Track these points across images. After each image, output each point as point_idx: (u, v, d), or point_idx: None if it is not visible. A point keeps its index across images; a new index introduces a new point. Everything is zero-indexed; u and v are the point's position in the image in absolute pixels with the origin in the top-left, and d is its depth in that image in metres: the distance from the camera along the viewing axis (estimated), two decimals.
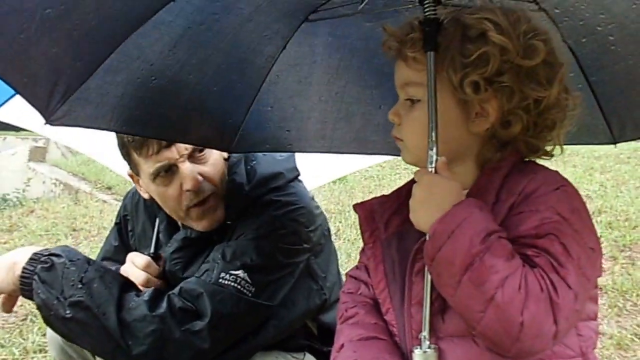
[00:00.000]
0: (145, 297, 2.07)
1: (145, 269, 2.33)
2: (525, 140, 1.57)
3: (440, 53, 1.53)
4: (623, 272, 4.91)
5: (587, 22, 1.87)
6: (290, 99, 2.29)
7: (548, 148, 1.63)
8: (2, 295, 2.11)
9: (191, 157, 2.20)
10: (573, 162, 8.50)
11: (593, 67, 2.00)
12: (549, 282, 1.32)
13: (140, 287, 2.26)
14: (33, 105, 1.72)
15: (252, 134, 2.29)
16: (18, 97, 3.20)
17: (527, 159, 1.63)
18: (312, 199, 2.43)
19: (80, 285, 2.02)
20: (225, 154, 2.32)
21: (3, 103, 3.30)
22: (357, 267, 1.88)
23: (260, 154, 2.39)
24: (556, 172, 1.55)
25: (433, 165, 1.51)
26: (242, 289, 2.09)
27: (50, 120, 1.77)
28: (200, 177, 2.20)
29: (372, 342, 1.66)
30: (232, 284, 2.08)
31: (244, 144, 2.30)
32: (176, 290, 2.11)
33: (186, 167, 2.18)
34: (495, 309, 1.31)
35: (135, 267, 2.34)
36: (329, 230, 2.48)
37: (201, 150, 2.22)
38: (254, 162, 2.35)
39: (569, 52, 1.95)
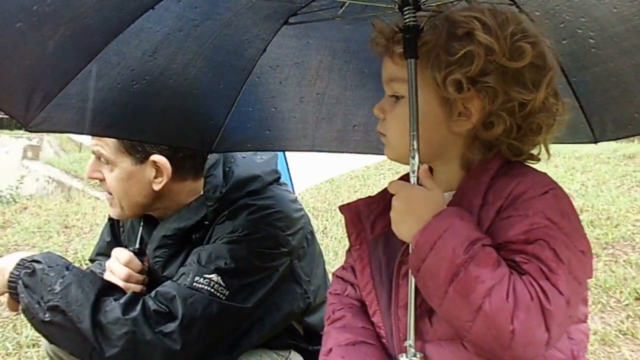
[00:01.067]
0: (122, 300, 2.07)
1: (128, 264, 2.33)
2: (509, 143, 1.53)
3: (426, 50, 1.51)
4: (606, 269, 4.92)
5: (567, 25, 1.87)
6: (271, 100, 2.29)
7: (534, 152, 1.60)
8: (6, 295, 2.16)
9: (98, 157, 2.27)
10: (555, 162, 8.50)
11: (573, 68, 1.99)
12: (539, 290, 1.28)
13: (122, 283, 2.27)
14: (11, 115, 1.73)
15: (233, 134, 2.29)
16: None
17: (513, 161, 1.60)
18: (294, 201, 2.41)
19: (57, 290, 2.04)
20: (156, 187, 2.28)
21: None
22: (343, 268, 1.86)
23: (239, 156, 2.38)
24: (544, 174, 1.50)
25: (416, 173, 1.48)
26: (215, 292, 2.07)
27: (29, 126, 1.77)
28: (96, 173, 2.29)
29: (360, 346, 1.65)
30: (206, 287, 2.07)
31: (225, 144, 2.30)
32: (152, 293, 2.11)
33: (91, 159, 2.31)
34: (483, 318, 1.27)
35: (119, 262, 2.34)
36: (312, 233, 2.45)
37: (107, 163, 2.25)
38: (232, 164, 2.33)
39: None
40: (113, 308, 2.03)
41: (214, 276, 2.08)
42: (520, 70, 1.47)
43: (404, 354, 1.48)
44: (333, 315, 1.76)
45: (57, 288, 2.04)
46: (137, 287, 2.31)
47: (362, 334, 1.67)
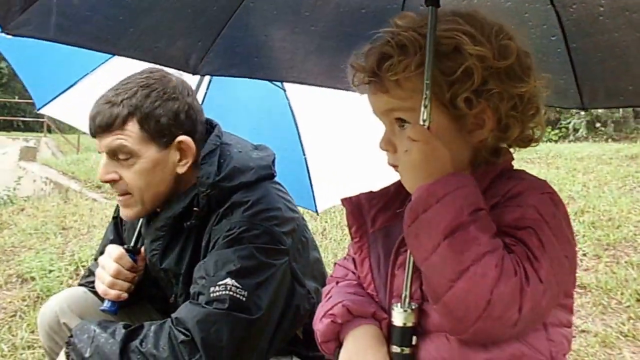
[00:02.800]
0: (149, 341, 2.07)
1: (118, 260, 2.33)
2: (521, 137, 1.57)
3: (420, 72, 1.47)
4: (607, 271, 4.89)
5: None
6: (264, 27, 2.27)
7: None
8: None
9: (113, 156, 2.20)
10: (556, 164, 8.54)
11: (577, 34, 1.99)
12: (523, 270, 1.31)
13: (110, 279, 2.30)
14: None
15: (220, 57, 2.27)
16: (64, 95, 3.39)
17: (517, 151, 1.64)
18: (288, 202, 2.39)
19: (87, 356, 2.09)
20: (180, 170, 2.28)
21: (51, 100, 3.49)
22: (345, 258, 1.87)
23: (235, 150, 2.35)
24: (544, 181, 1.53)
25: (425, 123, 1.45)
26: (234, 294, 2.06)
27: (7, 28, 1.70)
28: (112, 174, 2.21)
29: (359, 296, 1.66)
30: (224, 292, 2.06)
31: (210, 67, 2.29)
32: (174, 321, 2.10)
33: (102, 160, 2.23)
34: (467, 280, 1.29)
35: (110, 258, 2.35)
36: (307, 238, 2.44)
37: (127, 158, 2.20)
38: (227, 157, 2.32)
39: (555, 15, 1.94)
40: (141, 355, 2.05)
41: (228, 280, 2.07)
42: (511, 65, 1.48)
43: (398, 304, 1.49)
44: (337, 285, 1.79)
45: (87, 355, 2.08)
46: (125, 285, 2.32)
47: (362, 292, 1.68)
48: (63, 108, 3.54)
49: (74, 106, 3.54)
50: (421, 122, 1.46)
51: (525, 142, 1.60)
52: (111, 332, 2.09)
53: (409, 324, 1.48)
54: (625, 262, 5.01)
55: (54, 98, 3.50)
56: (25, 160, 14.85)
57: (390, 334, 1.52)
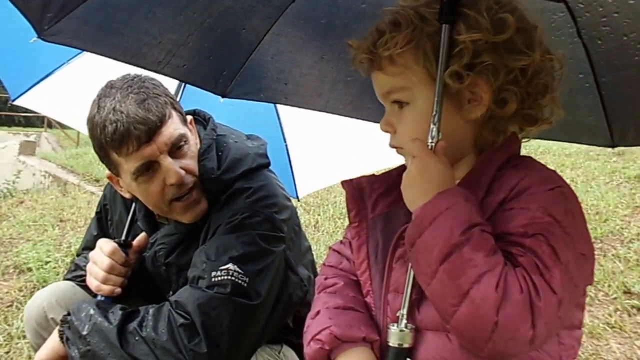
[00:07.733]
0: (148, 326, 2.01)
1: (111, 255, 2.25)
2: (523, 114, 1.47)
3: (411, 48, 1.44)
4: (594, 263, 4.85)
5: (609, 20, 1.75)
6: (292, 54, 2.23)
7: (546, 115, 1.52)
8: None
9: (171, 152, 2.09)
10: (544, 160, 8.48)
11: (606, 68, 1.89)
12: (531, 284, 1.21)
13: (103, 274, 2.22)
14: (26, 15, 1.62)
15: (248, 81, 2.24)
16: (40, 86, 3.28)
17: (527, 138, 1.56)
18: (283, 189, 2.36)
19: (85, 333, 2.05)
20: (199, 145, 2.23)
21: (26, 91, 3.36)
22: (341, 242, 1.79)
23: (231, 140, 2.30)
24: (554, 171, 1.43)
25: (433, 140, 1.40)
26: (237, 280, 2.02)
27: (44, 34, 1.69)
28: (182, 171, 2.10)
29: (349, 312, 1.57)
30: (226, 277, 2.02)
31: (239, 91, 2.26)
32: (173, 304, 2.04)
33: (168, 162, 2.07)
34: (469, 304, 1.21)
35: (102, 253, 2.27)
36: (299, 226, 2.41)
37: (180, 147, 2.11)
38: (224, 148, 2.26)
39: (583, 48, 1.85)
40: (140, 338, 2.00)
41: (230, 265, 2.03)
42: (510, 38, 1.40)
43: (395, 324, 1.41)
44: (325, 281, 1.70)
45: (85, 332, 2.03)
46: (118, 280, 2.25)
47: (353, 301, 1.60)
48: (39, 99, 3.44)
49: (50, 97, 3.47)
50: (429, 140, 1.40)
51: (531, 121, 1.49)
52: (109, 313, 2.05)
53: (405, 345, 1.40)
54: (612, 255, 5.00)
55: (29, 89, 3.39)
56: (24, 154, 14.82)
57: (384, 354, 1.45)
